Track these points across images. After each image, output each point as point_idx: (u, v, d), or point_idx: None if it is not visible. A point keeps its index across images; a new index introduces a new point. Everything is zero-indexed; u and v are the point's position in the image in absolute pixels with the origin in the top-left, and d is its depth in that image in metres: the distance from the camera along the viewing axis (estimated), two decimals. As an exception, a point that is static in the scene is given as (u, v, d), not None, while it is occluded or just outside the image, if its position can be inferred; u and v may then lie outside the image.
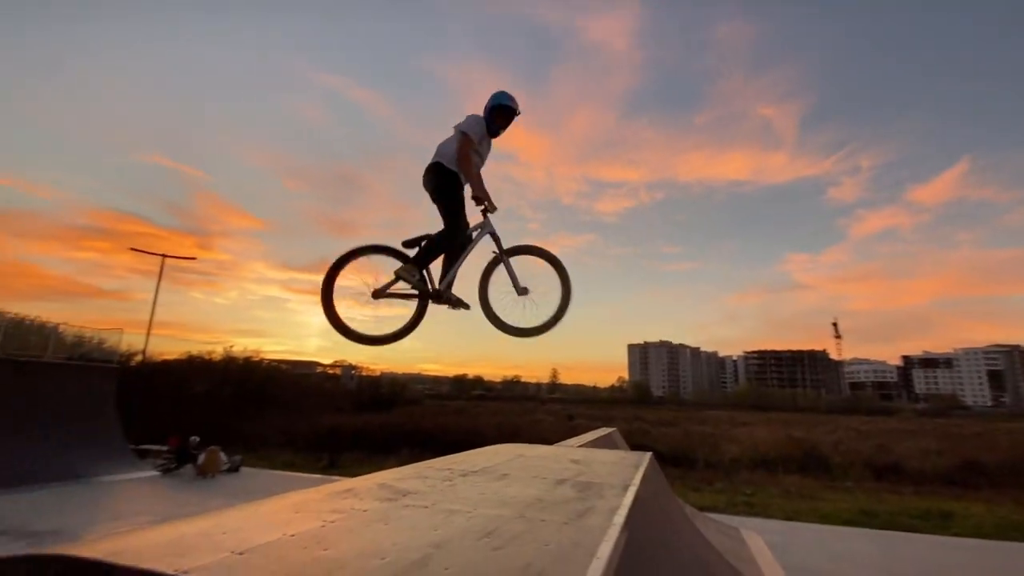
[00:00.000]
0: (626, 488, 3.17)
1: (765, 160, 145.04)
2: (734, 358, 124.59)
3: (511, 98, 3.58)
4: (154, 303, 18.20)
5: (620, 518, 2.34)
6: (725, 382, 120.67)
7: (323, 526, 2.08)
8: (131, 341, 20.57)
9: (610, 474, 3.91)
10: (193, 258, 23.53)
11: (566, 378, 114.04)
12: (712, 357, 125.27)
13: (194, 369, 24.47)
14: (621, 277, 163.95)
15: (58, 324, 16.87)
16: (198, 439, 13.72)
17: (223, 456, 13.49)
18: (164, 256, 19.39)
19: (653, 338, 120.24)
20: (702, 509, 9.71)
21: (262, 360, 27.90)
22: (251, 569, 1.52)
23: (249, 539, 1.81)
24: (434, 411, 34.33)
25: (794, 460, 18.12)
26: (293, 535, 1.91)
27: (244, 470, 13.99)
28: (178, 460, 13.20)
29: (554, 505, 2.64)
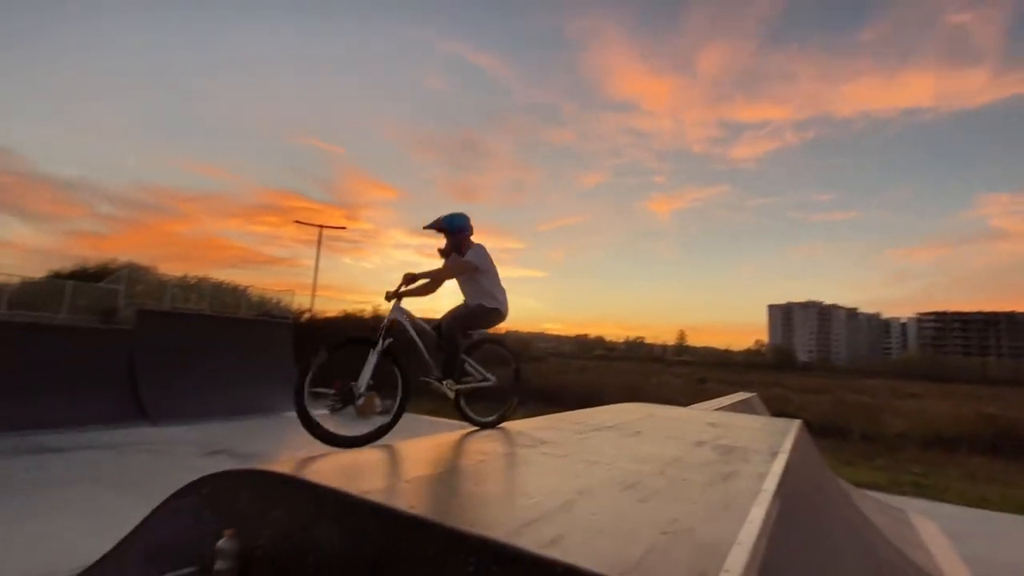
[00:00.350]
0: (774, 455, 2.96)
1: (956, 80, 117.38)
2: (902, 320, 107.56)
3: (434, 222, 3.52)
4: (316, 268, 20.99)
5: (771, 484, 2.19)
6: (889, 348, 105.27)
7: (473, 465, 2.26)
8: (299, 301, 23.98)
9: (754, 439, 3.68)
10: (343, 228, 26.47)
11: (694, 340, 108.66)
12: (873, 319, 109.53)
13: (349, 325, 27.89)
14: (760, 231, 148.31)
15: (246, 287, 20.30)
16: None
17: (378, 401, 15.33)
18: (321, 227, 22.05)
19: (799, 298, 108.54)
20: (857, 486, 8.75)
21: (403, 318, 30.87)
22: (417, 495, 1.70)
23: (412, 470, 2.03)
24: (558, 368, 35.01)
25: (982, 439, 15.37)
26: (449, 470, 2.10)
27: (394, 414, 15.81)
28: (342, 401, 15.32)
29: (696, 466, 2.55)
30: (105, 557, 2.47)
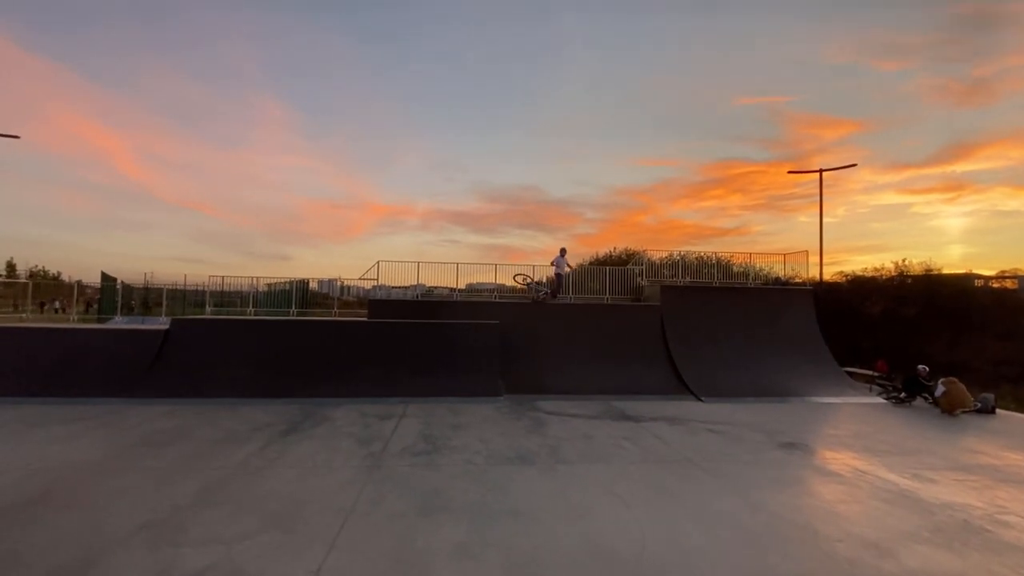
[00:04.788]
0: None
1: None
2: None
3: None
4: (820, 224, 17.46)
5: None
6: None
7: None
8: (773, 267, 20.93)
9: None
10: (854, 164, 21.09)
11: None
12: None
13: (860, 289, 22.57)
14: None
15: (728, 257, 19.01)
16: (927, 368, 11.52)
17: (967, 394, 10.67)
18: (821, 171, 18.29)
19: None
20: None
21: (941, 274, 22.48)
22: None
23: None
24: None
25: None
26: None
27: (1000, 413, 10.68)
28: (907, 390, 11.49)
29: None
30: None
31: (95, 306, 24.01)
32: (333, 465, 6.34)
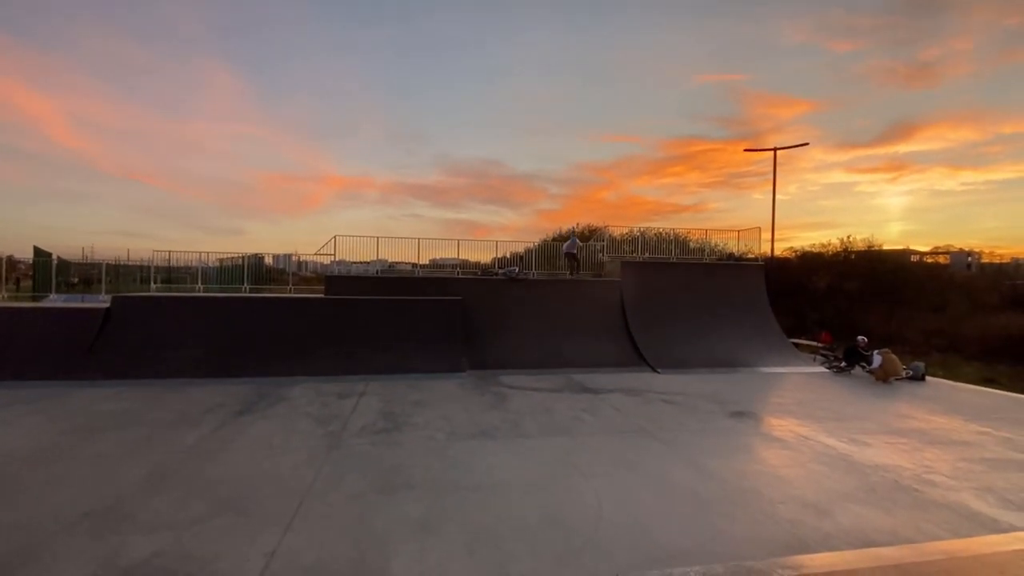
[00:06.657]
0: None
1: None
2: None
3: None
4: (773, 205, 18.08)
5: None
6: None
7: None
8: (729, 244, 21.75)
9: None
10: (806, 144, 21.86)
11: None
12: None
13: (808, 264, 23.69)
14: None
15: (685, 233, 19.50)
16: (866, 339, 12.27)
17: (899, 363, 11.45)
18: (775, 150, 18.84)
19: None
20: None
21: (881, 250, 23.84)
22: None
23: None
24: None
25: None
26: None
27: (929, 380, 11.52)
28: (846, 359, 12.21)
29: None
30: None
31: (23, 282, 22.43)
32: (290, 446, 6.22)
